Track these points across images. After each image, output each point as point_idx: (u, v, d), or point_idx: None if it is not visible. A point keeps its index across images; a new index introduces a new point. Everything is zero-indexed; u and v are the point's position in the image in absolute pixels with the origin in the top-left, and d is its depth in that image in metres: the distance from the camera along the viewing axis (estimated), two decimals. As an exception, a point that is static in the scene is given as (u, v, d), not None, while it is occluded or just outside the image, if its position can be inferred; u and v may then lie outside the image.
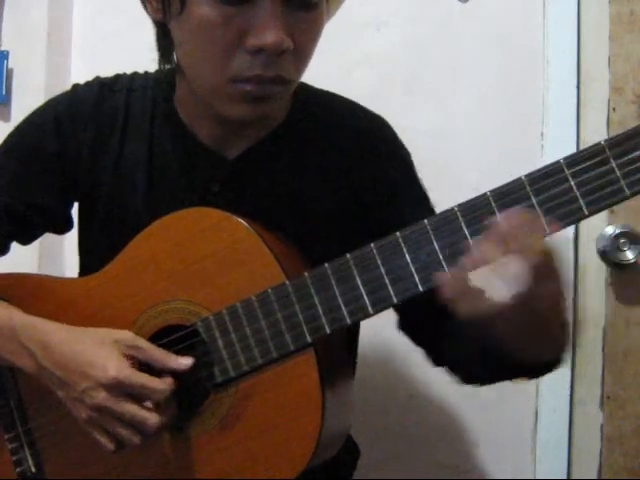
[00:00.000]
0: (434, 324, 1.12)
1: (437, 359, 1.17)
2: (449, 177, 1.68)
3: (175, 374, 1.01)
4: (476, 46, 1.71)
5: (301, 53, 1.00)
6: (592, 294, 1.66)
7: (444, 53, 1.72)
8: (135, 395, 0.99)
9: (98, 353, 1.00)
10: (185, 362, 1.01)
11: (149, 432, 0.99)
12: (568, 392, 1.65)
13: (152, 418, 0.98)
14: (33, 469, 1.12)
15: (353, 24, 1.71)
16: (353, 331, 1.23)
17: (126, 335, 1.03)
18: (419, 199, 1.18)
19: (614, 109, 1.65)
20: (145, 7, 1.06)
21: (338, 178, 1.15)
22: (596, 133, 1.65)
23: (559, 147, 1.63)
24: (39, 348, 1.04)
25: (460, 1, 1.71)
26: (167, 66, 1.11)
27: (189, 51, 1.02)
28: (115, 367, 0.98)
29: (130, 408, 0.98)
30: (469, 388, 1.15)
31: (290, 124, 1.16)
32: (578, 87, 1.66)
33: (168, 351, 1.03)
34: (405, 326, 1.19)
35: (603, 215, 1.64)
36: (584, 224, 1.65)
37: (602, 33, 1.66)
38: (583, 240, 1.66)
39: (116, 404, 0.98)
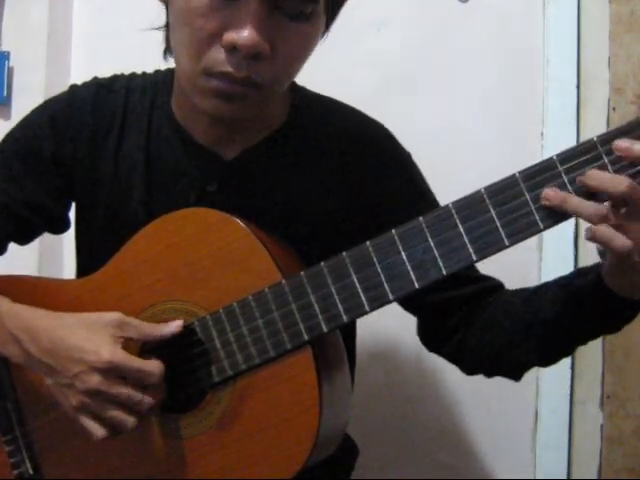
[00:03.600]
0: (463, 322, 1.13)
1: (471, 364, 1.17)
2: (449, 177, 1.67)
3: (173, 373, 1.01)
4: (476, 46, 1.71)
5: (281, 61, 0.98)
6: (592, 294, 1.66)
7: (444, 53, 1.72)
8: (128, 378, 0.98)
9: (89, 337, 0.99)
10: (176, 324, 1.01)
11: (143, 413, 0.98)
12: (568, 392, 1.65)
13: (147, 399, 0.98)
14: (31, 471, 1.12)
15: (353, 24, 1.71)
16: (350, 329, 1.23)
17: (115, 316, 1.01)
18: (421, 201, 1.17)
19: (614, 109, 1.65)
20: None
21: (335, 182, 1.15)
22: (596, 133, 1.64)
23: (559, 147, 1.60)
24: (25, 335, 1.03)
25: (460, 1, 1.71)
26: (170, 55, 1.11)
27: (175, 37, 1.01)
28: (108, 351, 0.97)
29: (125, 390, 0.97)
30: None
31: (288, 127, 1.16)
32: (578, 87, 1.66)
33: (164, 351, 1.03)
34: (429, 335, 1.20)
35: (603, 214, 1.64)
36: (584, 223, 1.63)
37: (602, 33, 1.66)
38: (583, 240, 1.66)
39: (111, 387, 0.97)
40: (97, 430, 0.99)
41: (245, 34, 0.92)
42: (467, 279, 1.14)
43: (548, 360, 1.10)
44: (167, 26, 1.07)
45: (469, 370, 1.18)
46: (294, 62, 1.01)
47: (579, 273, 1.02)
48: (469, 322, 1.14)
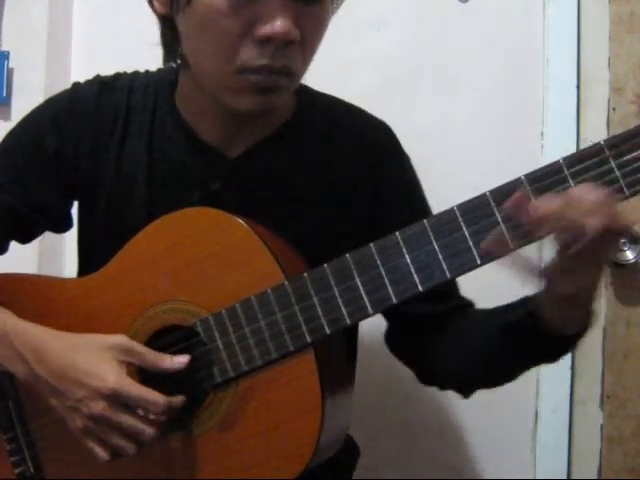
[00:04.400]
0: (427, 336, 1.16)
1: (434, 370, 1.19)
2: (449, 177, 1.68)
3: (173, 373, 1.01)
4: (476, 46, 1.71)
5: (307, 46, 1.01)
6: (592, 294, 1.66)
7: (444, 53, 1.72)
8: (132, 405, 0.99)
9: (95, 362, 1.00)
10: (180, 360, 1.01)
11: (145, 442, 0.99)
12: (568, 392, 1.65)
13: (149, 429, 0.99)
14: (32, 470, 1.12)
15: (353, 24, 1.71)
16: (352, 331, 1.23)
17: (120, 340, 1.02)
18: (416, 205, 1.20)
19: (614, 109, 1.65)
20: (151, 3, 1.06)
21: (339, 181, 1.15)
22: (596, 133, 1.64)
23: (559, 147, 1.63)
24: (32, 355, 1.04)
25: (460, 1, 1.71)
26: (172, 62, 1.11)
27: (196, 43, 1.02)
28: (114, 378, 0.98)
29: (128, 419, 0.98)
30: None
31: (293, 125, 1.16)
32: (578, 87, 1.66)
33: (166, 352, 1.03)
34: (394, 340, 1.23)
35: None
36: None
37: (602, 33, 1.66)
38: (583, 241, 1.66)
39: (114, 414, 0.98)
40: (100, 453, 1.01)
41: (278, 24, 0.95)
42: (447, 295, 1.16)
43: (491, 382, 1.13)
44: (166, 37, 1.09)
45: (423, 379, 1.21)
46: (316, 45, 1.04)
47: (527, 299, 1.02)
48: (434, 335, 1.16)
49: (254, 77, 0.99)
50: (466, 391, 1.16)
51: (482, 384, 1.14)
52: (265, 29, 0.95)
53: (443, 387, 1.20)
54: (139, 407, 0.98)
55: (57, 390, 1.02)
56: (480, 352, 1.08)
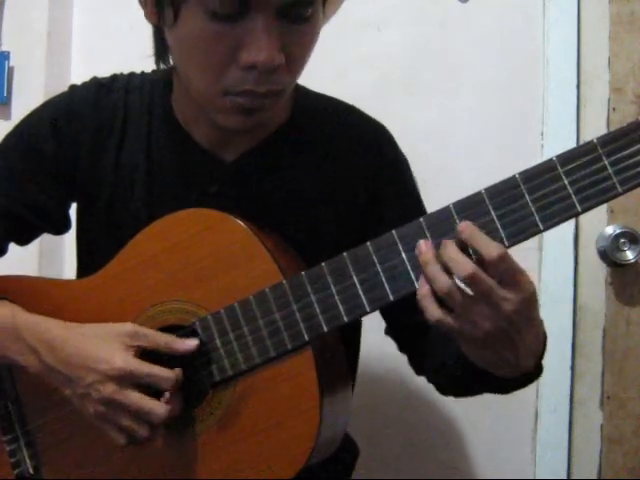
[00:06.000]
0: (418, 333, 1.17)
1: (418, 368, 1.23)
2: (449, 177, 1.68)
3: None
4: (476, 46, 1.71)
5: (294, 64, 0.99)
6: (592, 294, 1.66)
7: (444, 53, 1.72)
8: (142, 385, 0.99)
9: (103, 347, 1.00)
10: (191, 343, 1.01)
11: (156, 422, 0.99)
12: (568, 392, 1.65)
13: (159, 408, 0.98)
14: (31, 470, 1.12)
15: (353, 24, 1.72)
16: (354, 331, 1.23)
17: (128, 327, 1.02)
18: (412, 207, 1.20)
19: (614, 109, 1.65)
20: (144, 12, 1.05)
21: (336, 182, 1.15)
22: (596, 133, 1.62)
23: (559, 147, 1.61)
24: (43, 346, 1.04)
25: (460, 1, 1.71)
26: (162, 66, 1.11)
27: (183, 60, 1.02)
28: (121, 358, 0.98)
29: (137, 398, 0.98)
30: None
31: (290, 128, 1.16)
32: (578, 87, 1.66)
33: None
34: (392, 332, 1.25)
35: (603, 215, 1.65)
36: (584, 224, 1.65)
37: (602, 33, 1.67)
38: (583, 240, 1.66)
39: (123, 395, 0.98)
40: (117, 438, 1.00)
41: (262, 53, 0.93)
42: None
43: (460, 395, 1.14)
44: (158, 43, 1.08)
45: (415, 370, 1.24)
46: (304, 61, 1.02)
47: None
48: (421, 342, 1.18)
49: (238, 99, 0.98)
50: (443, 394, 1.18)
51: (453, 395, 1.16)
52: (249, 57, 0.94)
53: (429, 382, 1.21)
54: (149, 384, 0.99)
55: (68, 378, 1.02)
56: (445, 369, 1.08)
